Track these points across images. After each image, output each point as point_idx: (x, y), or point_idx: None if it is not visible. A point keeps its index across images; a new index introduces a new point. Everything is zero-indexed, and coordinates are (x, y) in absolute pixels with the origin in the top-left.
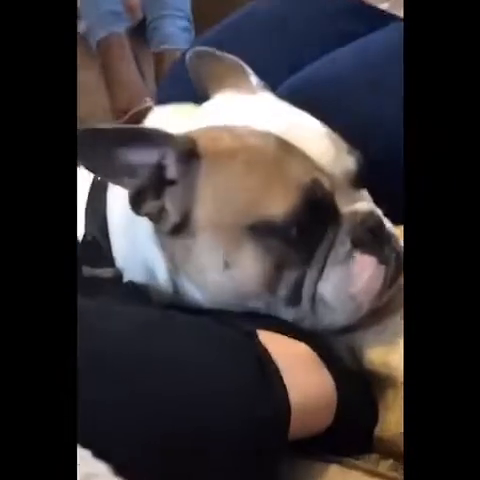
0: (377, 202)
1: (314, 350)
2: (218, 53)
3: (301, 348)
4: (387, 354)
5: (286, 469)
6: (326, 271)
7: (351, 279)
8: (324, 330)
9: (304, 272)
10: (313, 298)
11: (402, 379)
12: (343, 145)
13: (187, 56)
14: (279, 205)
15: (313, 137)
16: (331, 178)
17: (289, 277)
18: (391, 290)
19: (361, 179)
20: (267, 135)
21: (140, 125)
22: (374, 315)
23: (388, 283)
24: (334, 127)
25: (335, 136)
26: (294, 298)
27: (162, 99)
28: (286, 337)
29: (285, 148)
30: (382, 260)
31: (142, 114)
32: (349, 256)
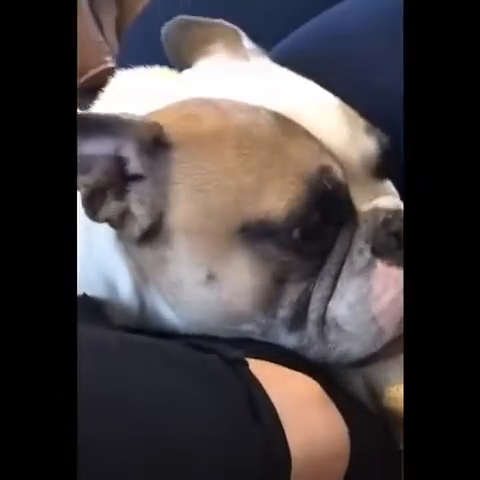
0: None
1: (321, 385)
2: (203, 20)
3: (305, 382)
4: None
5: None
6: (339, 286)
7: (372, 296)
8: (336, 362)
9: (311, 287)
10: (323, 321)
11: None
12: (360, 122)
13: (164, 30)
14: (278, 201)
15: (321, 113)
16: (345, 165)
17: (291, 293)
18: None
19: (384, 166)
20: (261, 111)
21: (94, 100)
22: (399, 341)
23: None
24: (346, 97)
25: (350, 110)
26: (298, 320)
27: (126, 58)
28: (285, 368)
29: (285, 127)
30: (399, 270)
31: (100, 79)
32: (369, 267)
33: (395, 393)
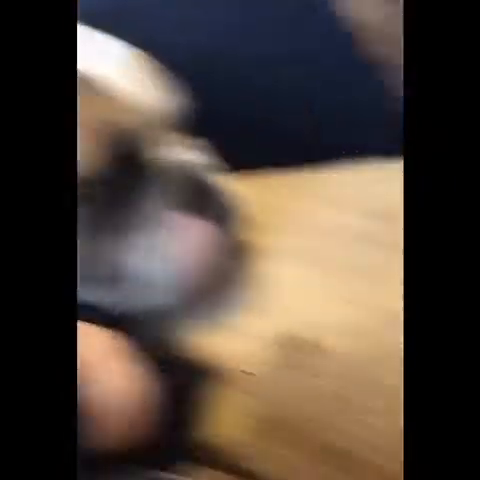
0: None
1: (122, 338)
2: None
3: (104, 336)
4: (211, 334)
5: None
6: (143, 240)
7: (172, 248)
8: (139, 314)
9: (117, 243)
10: (135, 276)
11: (229, 365)
12: (161, 79)
13: None
14: (81, 161)
15: (115, 66)
16: (143, 121)
17: (101, 252)
18: (222, 258)
19: (182, 121)
20: None
21: None
22: (201, 291)
23: (218, 250)
24: (147, 51)
25: (152, 67)
26: (114, 277)
27: None
28: (94, 326)
29: (87, 88)
30: (209, 221)
31: None
32: (168, 220)
33: (196, 342)
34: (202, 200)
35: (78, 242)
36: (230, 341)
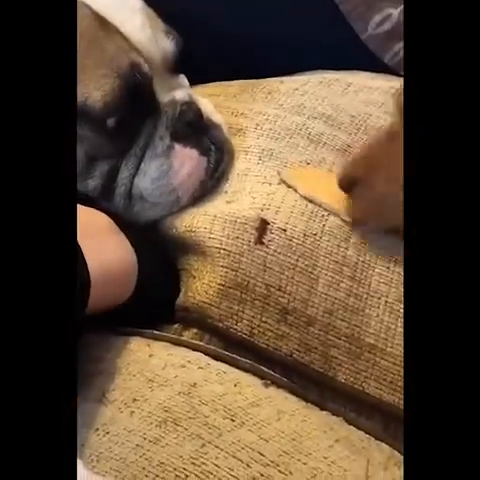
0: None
1: (111, 217)
2: None
3: (97, 216)
4: (193, 218)
5: (85, 346)
6: (143, 165)
7: (172, 172)
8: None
9: (119, 165)
10: (129, 195)
11: (208, 244)
12: (160, 24)
13: None
14: (94, 90)
15: (127, 14)
16: (149, 62)
17: (101, 167)
18: (213, 179)
19: (179, 63)
20: (81, 6)
21: None
22: (194, 202)
23: (210, 174)
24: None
25: (152, 13)
26: (107, 191)
27: None
28: (81, 205)
29: (101, 24)
30: (202, 152)
31: None
32: (169, 149)
33: (175, 221)
34: (196, 134)
35: (100, 163)
36: (209, 223)
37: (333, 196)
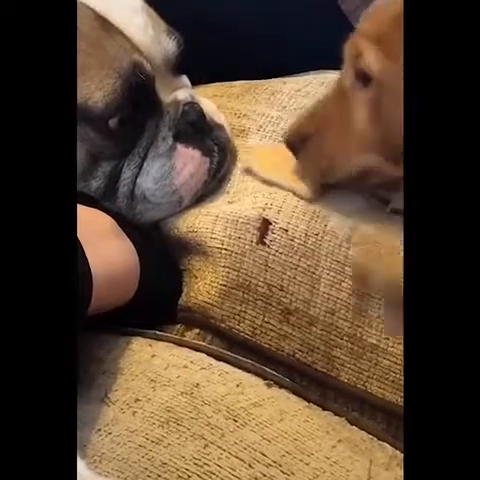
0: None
1: (113, 218)
2: None
3: (100, 217)
4: (194, 218)
5: (88, 346)
6: (146, 165)
7: (174, 172)
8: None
9: (122, 165)
10: (132, 195)
11: (210, 244)
12: (161, 24)
13: None
14: (96, 90)
15: (129, 14)
16: (151, 62)
17: (104, 167)
18: (215, 180)
19: (180, 63)
20: (82, 7)
21: None
22: (196, 202)
23: (212, 174)
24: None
25: (153, 13)
26: (109, 191)
27: None
28: (84, 206)
29: (103, 24)
30: (205, 152)
31: None
32: (171, 150)
33: (178, 222)
34: (198, 135)
35: (102, 164)
36: (211, 223)
37: (290, 173)
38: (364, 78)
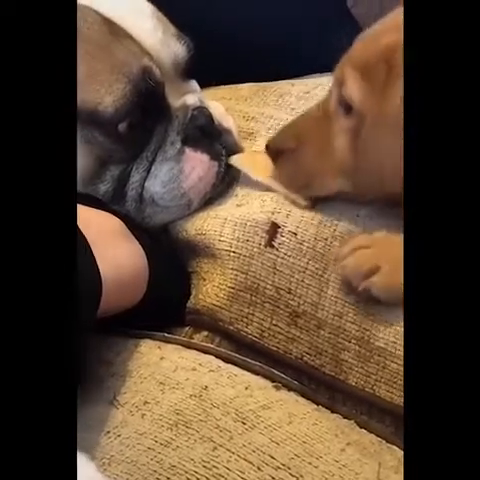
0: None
1: (123, 221)
2: None
3: (110, 220)
4: (203, 221)
5: (96, 348)
6: (154, 169)
7: (182, 176)
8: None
9: (130, 168)
10: (140, 198)
11: (218, 246)
12: (171, 28)
13: None
14: (106, 95)
15: (138, 18)
16: (160, 67)
17: (112, 171)
18: (224, 184)
19: (190, 68)
20: (90, 11)
21: None
22: (204, 205)
23: (221, 177)
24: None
25: (162, 17)
26: (118, 195)
27: None
28: (94, 209)
29: (111, 29)
30: (213, 156)
31: None
32: (179, 154)
33: (186, 225)
34: (207, 139)
35: (111, 168)
36: (219, 226)
37: None
38: (346, 106)
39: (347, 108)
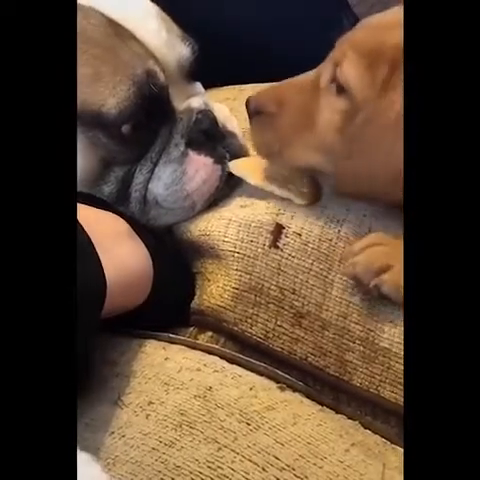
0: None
1: (127, 222)
2: None
3: (115, 220)
4: (207, 222)
5: (101, 348)
6: (157, 171)
7: (186, 178)
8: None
9: (134, 170)
10: (144, 200)
11: (222, 247)
12: (176, 30)
13: None
14: (110, 97)
15: (143, 19)
16: (164, 68)
17: (116, 173)
18: (228, 186)
19: (195, 70)
20: (94, 13)
21: None
22: (208, 207)
23: (224, 180)
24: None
25: (167, 18)
26: (122, 196)
27: None
28: (97, 209)
29: (115, 30)
30: (217, 160)
31: None
32: (183, 156)
33: (190, 226)
34: (211, 142)
35: (115, 169)
36: (224, 227)
37: (283, 181)
38: (339, 86)
39: (340, 89)
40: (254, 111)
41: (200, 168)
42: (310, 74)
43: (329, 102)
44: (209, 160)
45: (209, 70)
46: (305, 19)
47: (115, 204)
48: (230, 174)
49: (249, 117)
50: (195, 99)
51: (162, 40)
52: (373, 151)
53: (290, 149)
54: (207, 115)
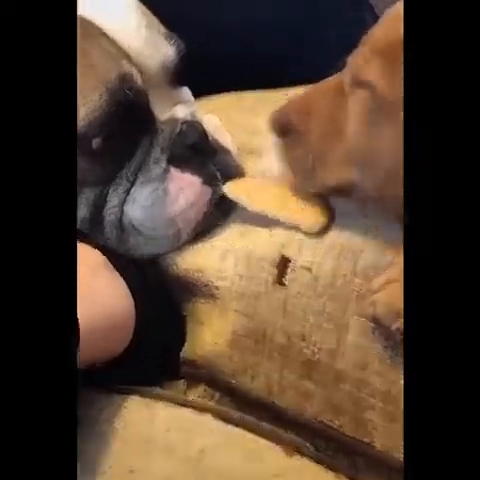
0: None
1: (104, 254)
2: None
3: (89, 253)
4: (198, 253)
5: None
6: (134, 190)
7: (167, 200)
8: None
9: (106, 192)
10: (120, 224)
11: (217, 284)
12: (158, 26)
13: None
14: (81, 108)
15: (118, 13)
16: (144, 71)
17: (87, 196)
18: (220, 212)
19: (181, 73)
20: None
21: None
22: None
23: (215, 205)
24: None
25: (149, 14)
26: (95, 223)
27: None
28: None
29: (85, 30)
30: (206, 180)
31: None
32: (164, 173)
33: (177, 259)
34: (199, 159)
35: (84, 190)
36: (218, 260)
37: (283, 206)
38: (361, 86)
39: (363, 88)
40: (282, 130)
41: (185, 188)
42: (331, 80)
43: (356, 105)
44: (197, 179)
45: (201, 74)
46: (305, 19)
47: (89, 231)
48: (223, 196)
49: (276, 135)
50: (181, 108)
51: (141, 37)
52: (386, 142)
53: (323, 164)
54: (194, 127)
